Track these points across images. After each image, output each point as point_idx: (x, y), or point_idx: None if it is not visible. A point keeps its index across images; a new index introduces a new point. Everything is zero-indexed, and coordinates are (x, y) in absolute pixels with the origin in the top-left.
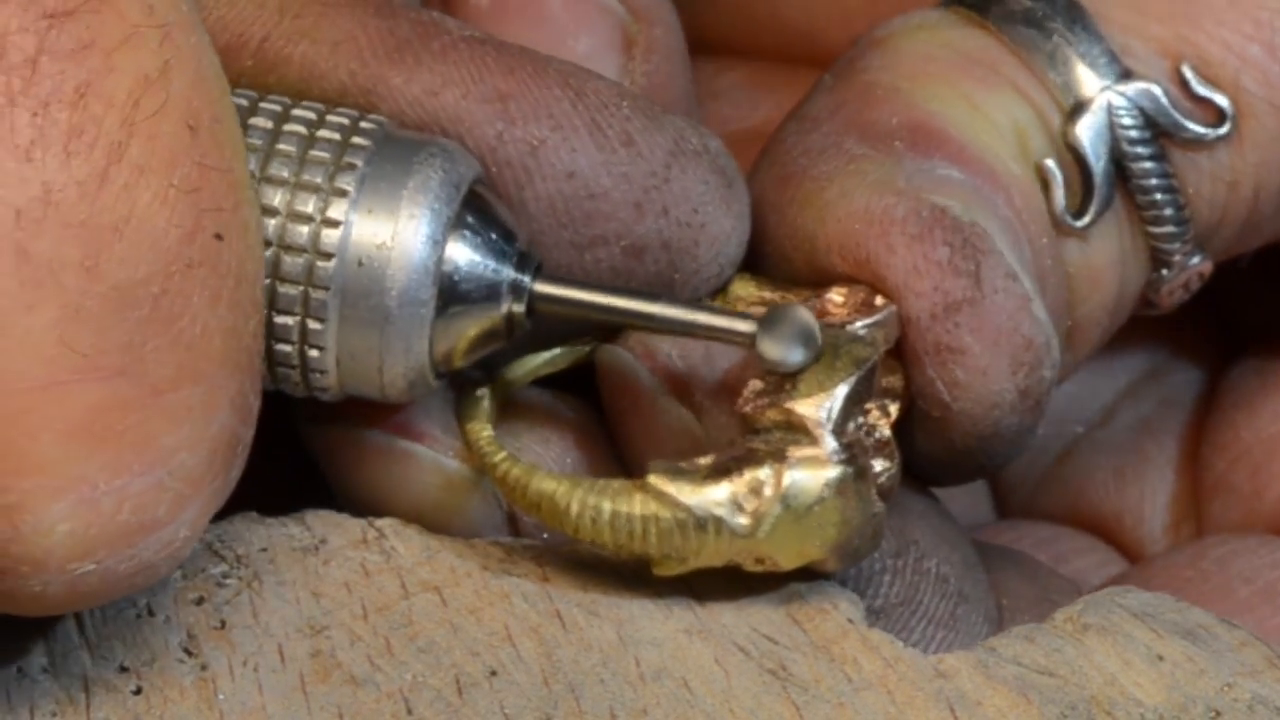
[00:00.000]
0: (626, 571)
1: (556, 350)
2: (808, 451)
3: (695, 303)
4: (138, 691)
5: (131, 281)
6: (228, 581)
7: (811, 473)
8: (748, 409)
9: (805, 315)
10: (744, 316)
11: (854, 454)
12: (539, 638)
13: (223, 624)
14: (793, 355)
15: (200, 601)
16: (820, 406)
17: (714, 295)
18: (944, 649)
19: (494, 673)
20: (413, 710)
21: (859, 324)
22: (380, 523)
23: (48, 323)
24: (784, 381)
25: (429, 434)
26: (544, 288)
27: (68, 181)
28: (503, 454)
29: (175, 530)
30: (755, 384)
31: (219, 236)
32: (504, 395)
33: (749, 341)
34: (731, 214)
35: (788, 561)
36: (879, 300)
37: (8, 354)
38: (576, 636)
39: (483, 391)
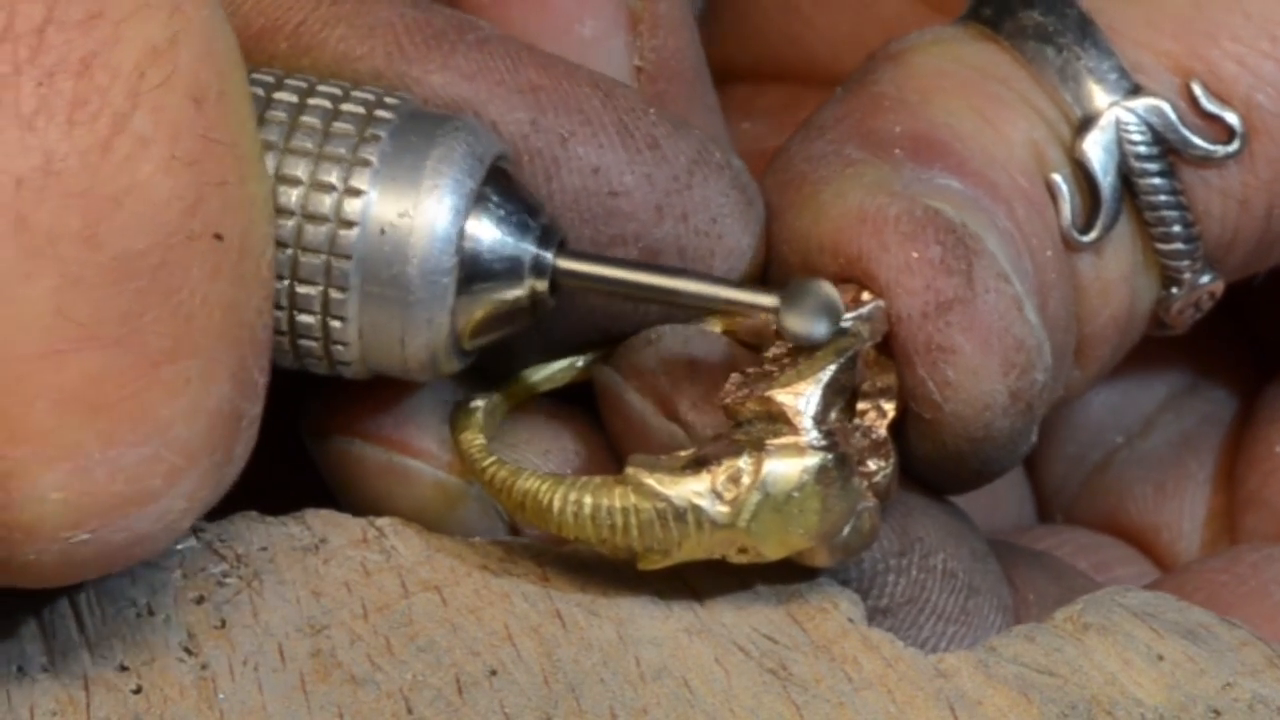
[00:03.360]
0: (627, 571)
1: (557, 366)
2: (787, 440)
3: (718, 278)
4: (138, 691)
5: (131, 252)
6: (228, 581)
7: (790, 460)
8: (729, 400)
9: (828, 288)
10: (767, 291)
11: (835, 442)
12: (539, 637)
13: (223, 623)
14: (817, 328)
15: (200, 601)
16: (800, 395)
17: None
18: (956, 643)
19: (494, 672)
20: (413, 709)
21: (844, 317)
22: (380, 522)
23: (45, 292)
24: (764, 373)
25: (426, 450)
26: (567, 263)
27: (70, 151)
28: (491, 459)
29: (171, 502)
30: (736, 376)
31: (222, 209)
32: (504, 408)
33: (773, 316)
34: (749, 232)
35: (772, 551)
36: (866, 295)
37: (5, 322)
38: (576, 636)
39: (477, 404)
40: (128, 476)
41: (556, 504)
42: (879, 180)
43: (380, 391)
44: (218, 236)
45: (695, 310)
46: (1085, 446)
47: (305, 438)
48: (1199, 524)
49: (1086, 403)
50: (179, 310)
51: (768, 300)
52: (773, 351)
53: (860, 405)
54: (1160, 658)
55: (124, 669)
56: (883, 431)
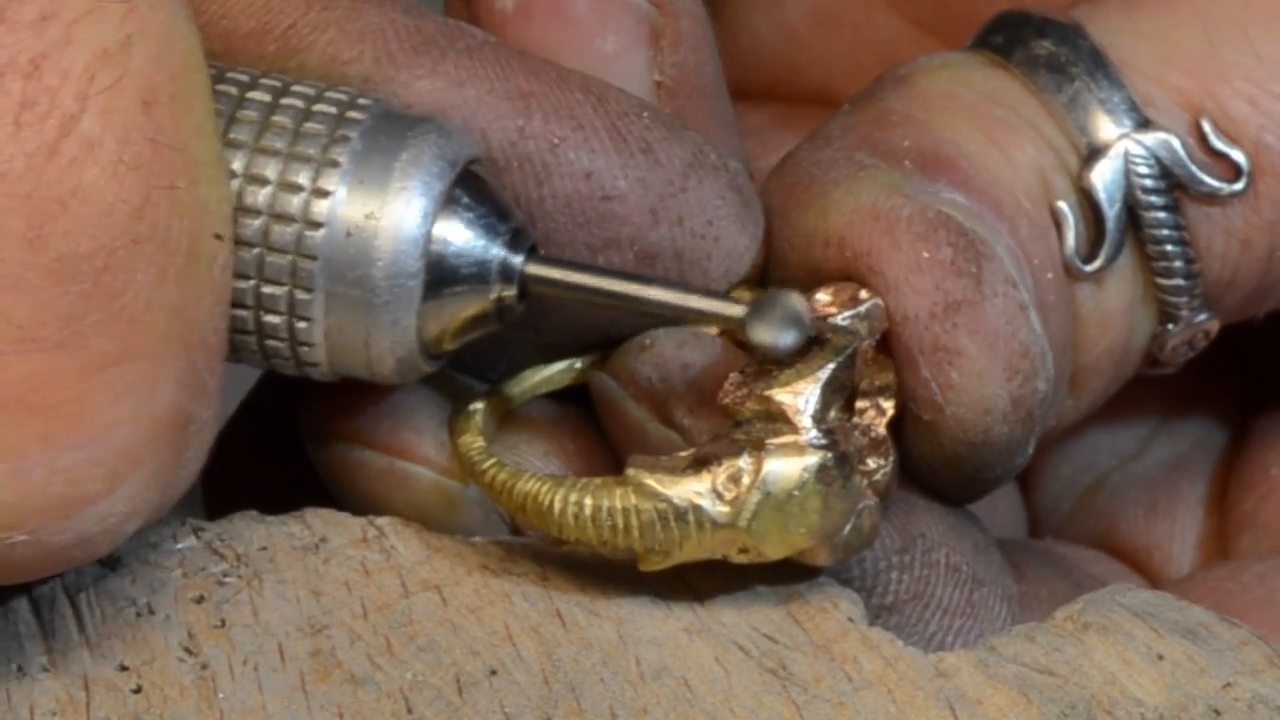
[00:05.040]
0: (627, 571)
1: (556, 368)
2: (787, 439)
3: (687, 286)
4: (138, 690)
5: (75, 255)
6: (228, 580)
7: (790, 459)
8: (728, 400)
9: (795, 300)
10: (735, 301)
11: (835, 440)
12: (539, 637)
13: (223, 623)
14: (783, 339)
15: (200, 600)
16: (799, 394)
17: None
18: (963, 636)
19: (494, 672)
20: (413, 709)
21: (841, 315)
22: (380, 521)
23: None
24: (763, 372)
25: (425, 454)
26: (535, 269)
27: (16, 152)
28: (491, 461)
29: (113, 505)
30: (735, 376)
31: (170, 213)
32: (503, 411)
33: (739, 326)
34: (746, 233)
35: (774, 550)
36: (864, 294)
37: None
38: (576, 636)
39: (475, 406)
40: (67, 479)
41: (557, 505)
42: (892, 182)
43: (378, 396)
44: (164, 240)
45: (664, 319)
46: (1078, 468)
47: (305, 443)
48: (1190, 546)
49: (1080, 425)
50: (123, 313)
51: (734, 310)
52: None
53: (859, 404)
54: (1160, 657)
55: (124, 669)
56: (882, 430)
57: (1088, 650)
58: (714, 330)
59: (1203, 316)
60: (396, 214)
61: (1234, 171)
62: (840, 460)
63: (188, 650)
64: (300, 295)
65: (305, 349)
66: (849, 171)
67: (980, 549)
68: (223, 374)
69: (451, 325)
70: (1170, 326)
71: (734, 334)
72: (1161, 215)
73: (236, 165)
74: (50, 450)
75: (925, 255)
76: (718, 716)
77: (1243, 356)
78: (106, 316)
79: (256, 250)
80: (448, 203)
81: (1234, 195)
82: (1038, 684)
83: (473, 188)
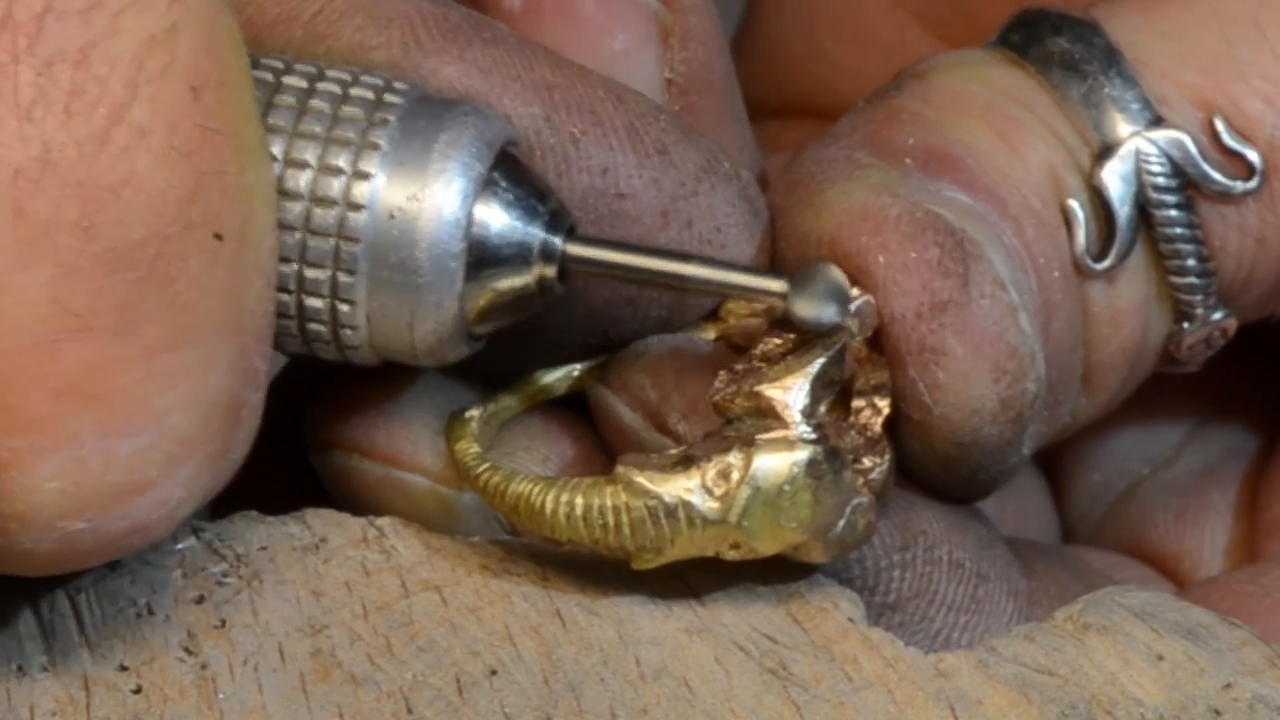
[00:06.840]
0: (626, 571)
1: (555, 375)
2: (776, 434)
3: (726, 263)
4: (137, 690)
5: (128, 243)
6: (228, 580)
7: (780, 454)
8: (717, 398)
9: (836, 273)
10: (775, 276)
11: (824, 435)
12: (539, 637)
13: (223, 623)
14: (825, 312)
15: (200, 600)
16: (788, 389)
17: (707, 313)
18: (969, 632)
19: (494, 672)
20: (413, 709)
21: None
22: (380, 522)
23: (42, 281)
24: (752, 369)
25: (421, 463)
26: (576, 249)
27: (67, 141)
28: (485, 465)
29: (169, 491)
30: (724, 373)
31: (220, 199)
32: (501, 418)
33: (781, 300)
34: (753, 243)
35: (765, 546)
36: (855, 291)
37: (1, 312)
38: (577, 636)
39: (471, 413)
40: (124, 466)
41: (549, 506)
42: (884, 182)
43: (375, 405)
44: (216, 227)
45: (703, 295)
46: (1110, 476)
47: (308, 451)
48: (1220, 552)
49: (1112, 433)
50: (176, 300)
51: (776, 285)
52: (761, 348)
53: (855, 403)
54: (1160, 658)
55: (124, 669)
56: (878, 429)
57: (1088, 650)
58: (711, 335)
59: (1219, 314)
60: (438, 196)
61: (1247, 170)
62: (830, 454)
63: (188, 650)
64: (343, 278)
65: (347, 332)
66: (845, 171)
67: (984, 545)
68: (270, 356)
69: (493, 306)
70: (1186, 325)
71: (729, 339)
72: (1174, 214)
73: (276, 150)
74: (107, 437)
75: (912, 255)
76: (718, 716)
77: (1277, 363)
78: (160, 303)
79: (298, 234)
80: (487, 184)
81: (1247, 193)
82: (1038, 684)
83: (510, 169)
